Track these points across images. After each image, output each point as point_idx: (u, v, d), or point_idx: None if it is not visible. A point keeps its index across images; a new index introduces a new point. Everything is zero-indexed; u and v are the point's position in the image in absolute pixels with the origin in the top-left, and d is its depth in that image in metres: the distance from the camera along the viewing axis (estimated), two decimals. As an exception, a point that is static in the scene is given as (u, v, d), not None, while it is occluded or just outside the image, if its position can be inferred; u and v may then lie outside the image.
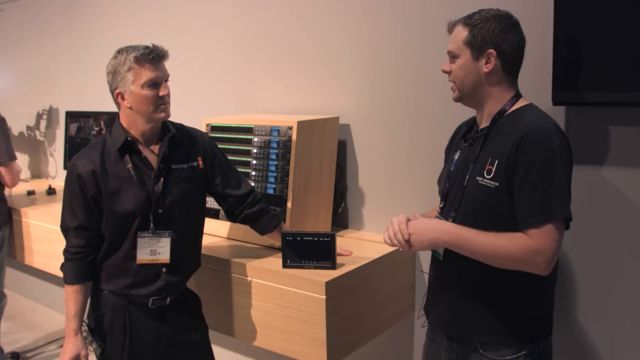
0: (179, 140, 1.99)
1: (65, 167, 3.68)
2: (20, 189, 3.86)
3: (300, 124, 2.22)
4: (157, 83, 1.86)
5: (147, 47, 1.84)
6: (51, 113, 4.12)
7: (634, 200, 1.84)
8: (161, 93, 1.87)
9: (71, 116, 3.66)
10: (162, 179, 1.92)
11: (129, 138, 1.90)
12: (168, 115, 1.92)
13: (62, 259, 1.93)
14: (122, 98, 1.87)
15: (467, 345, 1.62)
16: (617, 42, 1.72)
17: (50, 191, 3.61)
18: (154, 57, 1.84)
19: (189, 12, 3.09)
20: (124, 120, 1.93)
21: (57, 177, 4.13)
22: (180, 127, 2.04)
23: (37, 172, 4.32)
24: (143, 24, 3.33)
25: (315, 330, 1.92)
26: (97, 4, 3.62)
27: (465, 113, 1.78)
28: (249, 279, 2.10)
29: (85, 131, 3.54)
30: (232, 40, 2.90)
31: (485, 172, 1.55)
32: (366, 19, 2.39)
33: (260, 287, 2.07)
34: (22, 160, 4.37)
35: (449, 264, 1.63)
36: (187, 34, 3.11)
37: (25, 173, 4.37)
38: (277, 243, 2.12)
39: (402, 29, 2.29)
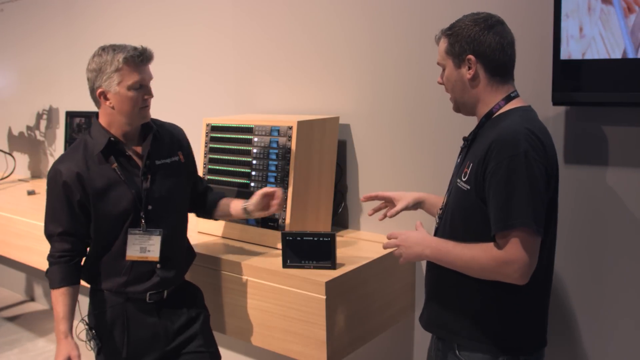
0: (160, 136, 1.99)
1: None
2: (20, 189, 3.86)
3: (300, 124, 2.22)
4: (144, 85, 1.86)
5: (136, 49, 1.83)
6: (51, 113, 4.12)
7: (634, 200, 1.84)
8: (147, 96, 1.87)
9: (71, 116, 3.65)
10: (149, 176, 1.92)
11: (111, 138, 1.88)
12: (148, 117, 1.93)
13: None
14: (105, 98, 1.86)
15: (447, 345, 1.64)
16: (616, 41, 1.72)
17: (50, 191, 3.60)
18: (143, 59, 1.84)
19: (189, 11, 3.09)
20: (103, 120, 1.91)
21: (57, 177, 4.12)
22: (158, 123, 2.04)
23: (37, 172, 4.31)
24: (143, 23, 3.33)
25: (315, 330, 1.92)
26: (97, 3, 3.62)
27: (465, 113, 1.78)
28: (248, 278, 2.10)
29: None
30: (232, 40, 2.90)
31: (462, 174, 1.57)
32: (366, 19, 2.39)
33: (260, 287, 2.07)
34: (22, 160, 4.38)
35: (434, 265, 1.65)
36: (187, 34, 3.11)
37: (25, 173, 4.37)
38: (239, 214, 2.08)
39: (403, 28, 2.29)
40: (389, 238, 1.67)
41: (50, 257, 1.91)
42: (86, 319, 1.97)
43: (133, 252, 1.90)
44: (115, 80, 1.81)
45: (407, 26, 2.28)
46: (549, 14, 1.83)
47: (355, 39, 2.44)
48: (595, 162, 1.89)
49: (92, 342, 1.95)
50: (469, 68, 1.56)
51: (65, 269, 1.89)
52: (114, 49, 1.83)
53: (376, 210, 1.99)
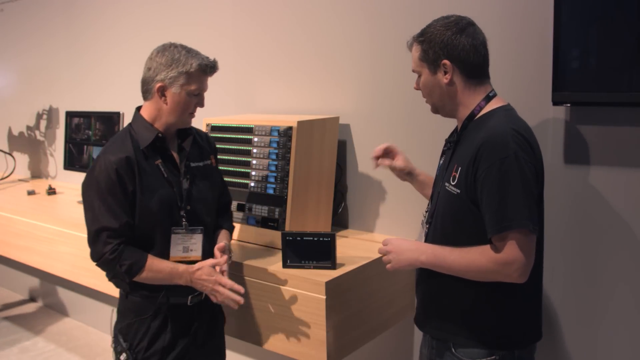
0: (196, 140, 2.00)
1: (65, 167, 3.67)
2: (20, 189, 3.86)
3: (300, 124, 2.22)
4: (200, 94, 1.89)
5: (209, 59, 1.86)
6: (51, 113, 4.12)
7: (634, 200, 1.84)
8: (200, 106, 1.90)
9: (71, 116, 3.66)
10: (188, 177, 1.92)
11: (159, 134, 1.87)
12: (190, 124, 1.95)
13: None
14: (162, 93, 1.84)
15: (442, 344, 1.64)
16: (616, 42, 1.72)
17: (51, 191, 3.61)
18: (212, 71, 1.88)
19: (188, 11, 3.09)
20: (148, 113, 1.88)
21: (57, 177, 4.13)
22: (194, 127, 2.05)
23: (37, 172, 4.32)
24: (142, 23, 3.33)
25: (315, 330, 1.92)
26: (97, 3, 3.62)
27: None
28: (248, 278, 2.10)
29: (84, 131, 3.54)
30: (232, 40, 2.90)
31: (451, 178, 1.57)
32: (366, 19, 2.39)
33: (260, 287, 2.07)
34: (22, 160, 4.38)
35: (425, 268, 1.65)
36: (187, 34, 3.10)
37: (25, 173, 4.38)
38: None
39: (402, 29, 2.28)
40: (384, 244, 1.68)
41: (109, 255, 1.77)
42: (118, 328, 1.91)
43: (176, 252, 1.86)
44: (180, 81, 1.81)
45: (406, 27, 2.26)
46: (549, 14, 1.83)
47: (355, 39, 2.44)
48: (595, 162, 1.89)
49: (123, 355, 1.87)
50: (445, 73, 1.56)
51: (133, 248, 1.80)
52: (188, 51, 1.84)
53: (377, 158, 1.96)
